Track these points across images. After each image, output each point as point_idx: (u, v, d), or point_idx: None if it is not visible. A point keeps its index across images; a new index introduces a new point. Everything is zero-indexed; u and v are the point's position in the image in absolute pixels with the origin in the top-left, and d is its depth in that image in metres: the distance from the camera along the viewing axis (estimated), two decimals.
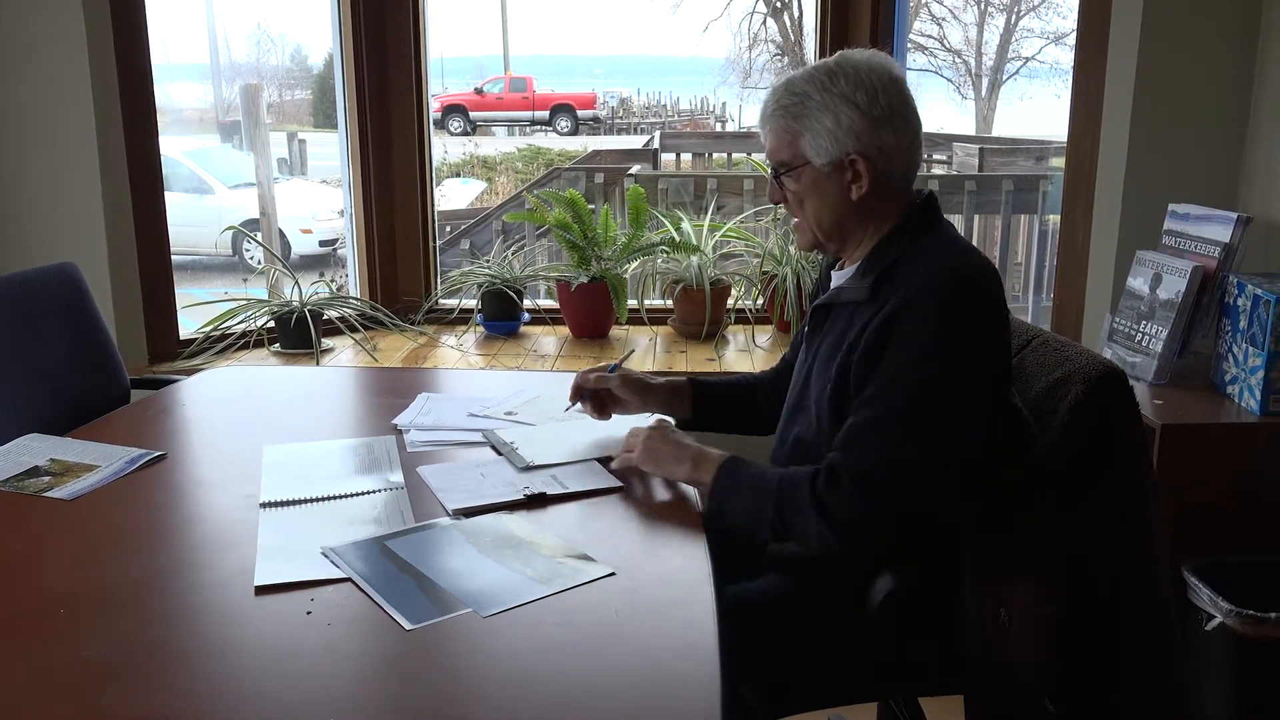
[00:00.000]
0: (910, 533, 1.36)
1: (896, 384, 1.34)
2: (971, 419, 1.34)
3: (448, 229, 5.65)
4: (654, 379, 1.74)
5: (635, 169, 6.27)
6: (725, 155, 9.06)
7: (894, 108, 1.43)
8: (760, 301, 3.04)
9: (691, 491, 1.51)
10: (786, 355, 1.79)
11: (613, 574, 1.26)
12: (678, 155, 9.58)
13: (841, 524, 1.32)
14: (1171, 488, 1.91)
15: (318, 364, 2.76)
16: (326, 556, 1.29)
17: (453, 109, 19.02)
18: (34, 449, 1.68)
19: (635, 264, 3.06)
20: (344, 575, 1.24)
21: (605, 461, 1.61)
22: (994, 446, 1.37)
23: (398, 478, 1.57)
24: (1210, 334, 2.15)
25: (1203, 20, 2.39)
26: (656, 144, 10.14)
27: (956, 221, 5.65)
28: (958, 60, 14.78)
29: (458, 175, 12.88)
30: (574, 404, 1.77)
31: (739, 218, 3.27)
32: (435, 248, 3.21)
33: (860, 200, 1.45)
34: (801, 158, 1.47)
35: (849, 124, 1.42)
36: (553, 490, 1.51)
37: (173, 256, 2.77)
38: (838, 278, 1.54)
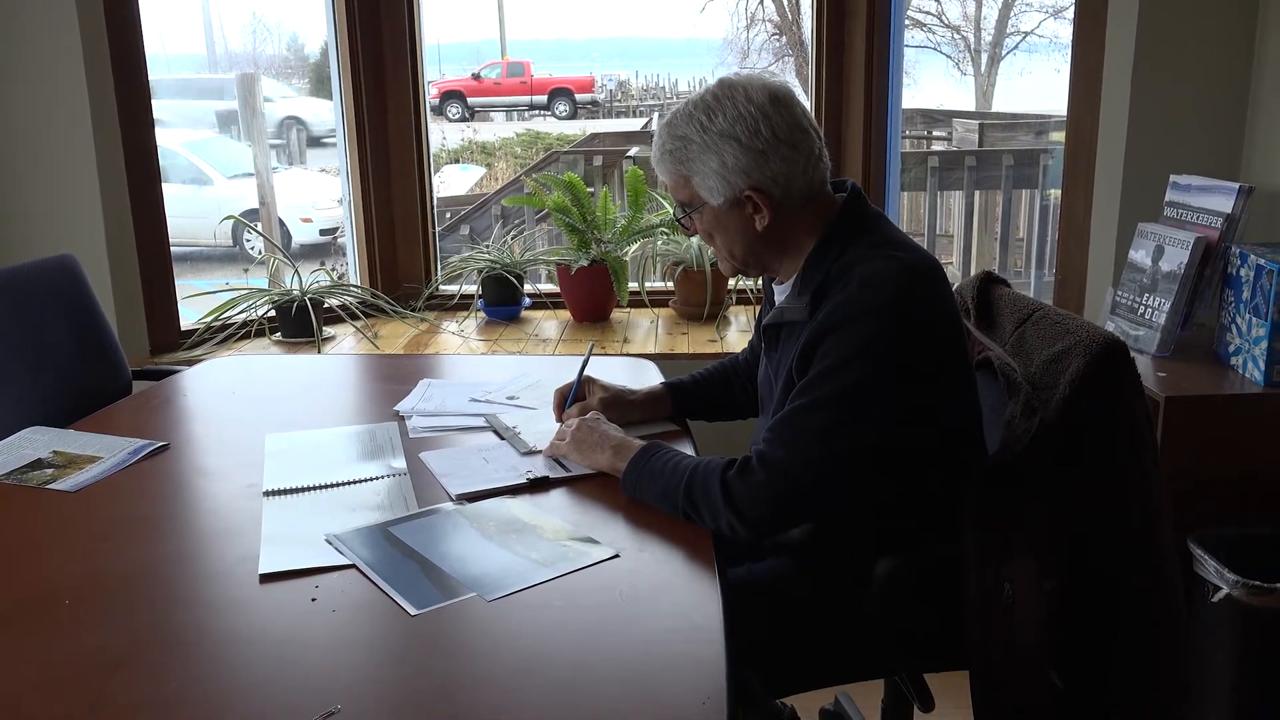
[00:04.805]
0: (832, 520, 1.39)
1: (816, 384, 1.34)
2: (883, 422, 1.33)
3: (447, 215, 5.65)
4: (632, 394, 1.74)
5: (634, 151, 6.24)
6: None
7: (778, 135, 1.40)
8: (760, 282, 3.03)
9: None
10: (753, 341, 1.79)
11: (616, 556, 1.26)
12: None
13: (744, 510, 1.32)
14: (1176, 460, 1.91)
15: (319, 352, 2.76)
16: (330, 543, 1.29)
17: (450, 95, 18.92)
18: (36, 441, 1.68)
19: (635, 246, 3.05)
20: (348, 562, 1.25)
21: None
22: (930, 447, 1.38)
23: (400, 464, 1.57)
24: (1213, 306, 2.14)
25: None
26: (655, 126, 10.10)
27: (957, 198, 5.63)
28: (956, 36, 14.68)
29: (457, 161, 12.83)
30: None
31: None
32: (435, 234, 3.21)
33: (767, 229, 1.44)
34: (698, 199, 1.46)
35: (734, 163, 1.40)
36: (555, 474, 1.51)
37: (173, 248, 2.77)
38: (779, 293, 1.54)
